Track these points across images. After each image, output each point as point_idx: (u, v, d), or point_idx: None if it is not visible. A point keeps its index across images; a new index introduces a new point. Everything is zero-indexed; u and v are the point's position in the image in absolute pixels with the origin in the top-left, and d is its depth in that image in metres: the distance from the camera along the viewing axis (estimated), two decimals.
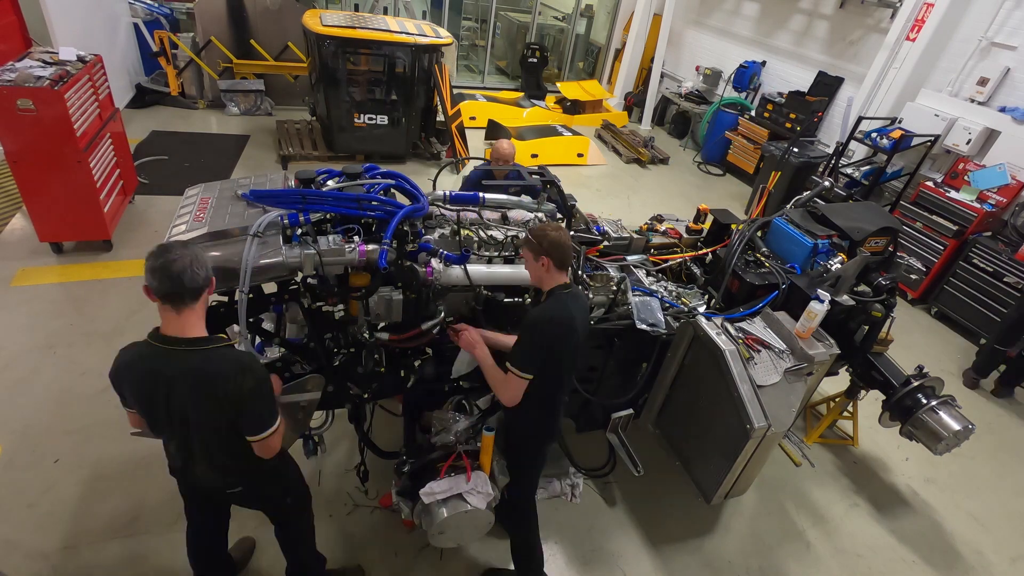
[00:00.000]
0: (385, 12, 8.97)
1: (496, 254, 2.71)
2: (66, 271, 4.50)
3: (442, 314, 2.59)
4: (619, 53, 11.15)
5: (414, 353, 2.80)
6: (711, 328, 2.86)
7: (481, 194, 2.84)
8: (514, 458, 2.62)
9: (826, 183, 4.02)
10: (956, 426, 3.21)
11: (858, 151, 6.98)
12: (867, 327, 3.24)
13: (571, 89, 10.19)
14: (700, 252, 3.62)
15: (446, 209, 2.76)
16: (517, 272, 2.70)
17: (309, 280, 2.32)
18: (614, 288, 3.11)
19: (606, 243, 3.42)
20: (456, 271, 2.54)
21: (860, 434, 4.10)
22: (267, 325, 2.53)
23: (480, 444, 2.57)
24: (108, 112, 4.83)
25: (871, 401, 3.83)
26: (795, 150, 6.95)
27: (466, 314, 2.74)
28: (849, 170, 6.88)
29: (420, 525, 2.58)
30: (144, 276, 1.68)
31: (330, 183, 2.46)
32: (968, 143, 5.88)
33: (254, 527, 2.85)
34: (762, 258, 3.37)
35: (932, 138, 6.15)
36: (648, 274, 3.43)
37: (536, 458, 2.61)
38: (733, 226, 3.55)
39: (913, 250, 5.95)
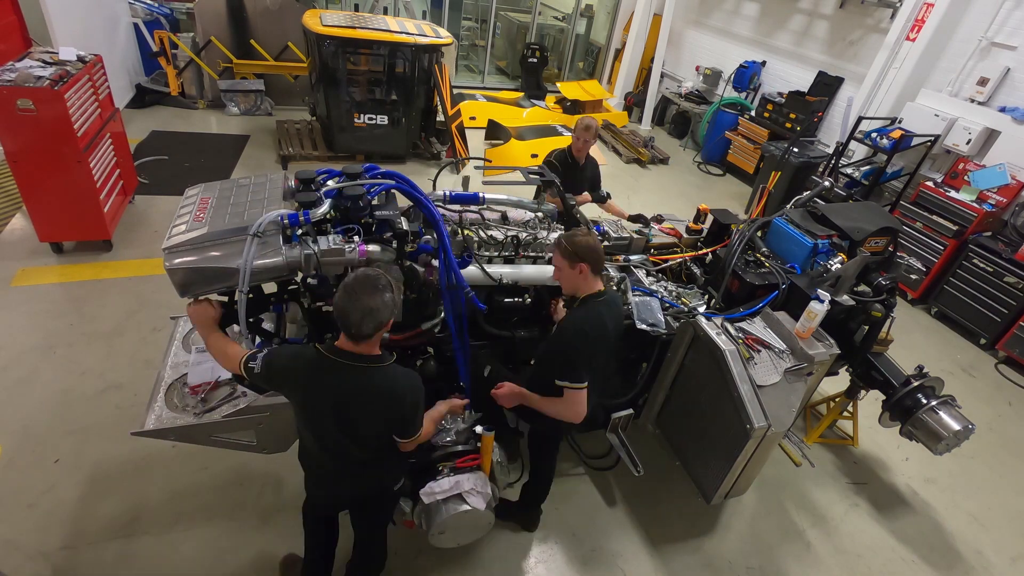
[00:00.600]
0: (385, 12, 8.97)
1: (496, 254, 2.71)
2: (66, 271, 4.50)
3: (442, 314, 2.59)
4: (619, 53, 11.15)
5: (414, 353, 2.80)
6: (711, 328, 2.86)
7: (481, 194, 2.85)
8: (539, 444, 2.75)
9: (826, 183, 4.02)
10: (956, 426, 3.21)
11: (858, 151, 6.98)
12: (867, 327, 3.24)
13: (571, 89, 10.19)
14: (700, 252, 3.62)
15: (446, 209, 2.76)
16: (518, 272, 2.70)
17: (309, 280, 2.32)
18: (614, 288, 3.11)
19: (606, 243, 3.43)
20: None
21: (860, 434, 4.10)
22: (267, 325, 2.53)
23: (480, 444, 2.57)
24: (108, 112, 4.83)
25: (871, 401, 3.83)
26: (795, 150, 6.95)
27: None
28: (849, 170, 6.88)
29: (420, 525, 2.58)
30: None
31: (330, 183, 2.47)
32: (968, 143, 5.88)
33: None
34: (762, 258, 3.37)
35: (932, 138, 6.14)
36: (648, 274, 3.43)
37: (558, 440, 2.76)
38: (733, 226, 3.55)
39: (913, 250, 5.95)
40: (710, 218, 3.73)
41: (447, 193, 2.80)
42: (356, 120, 6.80)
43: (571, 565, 3.02)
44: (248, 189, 2.48)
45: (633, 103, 10.74)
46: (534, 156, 7.73)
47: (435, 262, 2.50)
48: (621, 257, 3.41)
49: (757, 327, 3.00)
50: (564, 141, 8.09)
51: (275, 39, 7.81)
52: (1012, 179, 5.54)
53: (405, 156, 7.36)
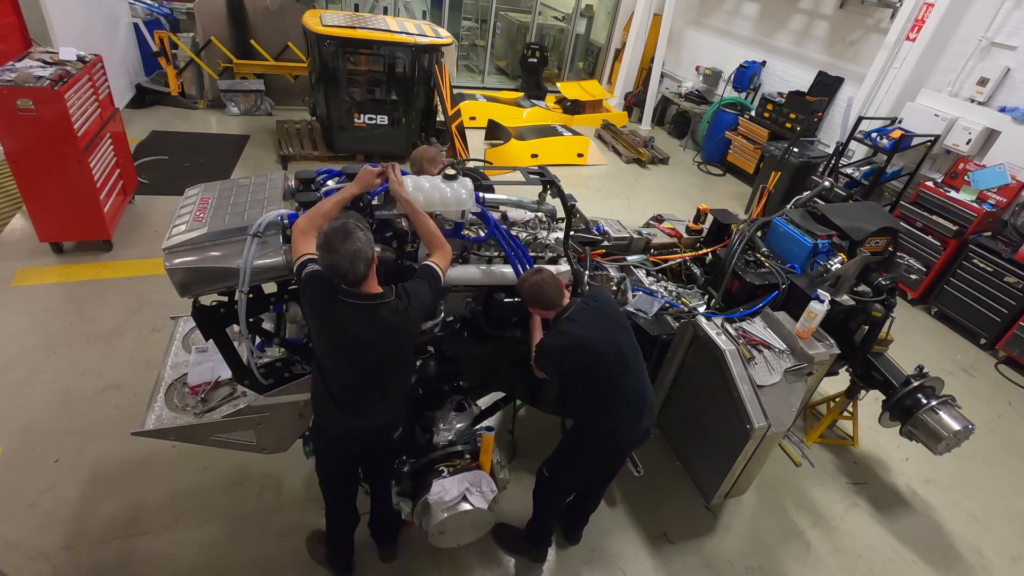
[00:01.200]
0: (385, 12, 8.96)
1: (496, 254, 2.71)
2: (66, 271, 4.50)
3: (442, 314, 2.59)
4: (619, 53, 11.15)
5: (414, 353, 2.79)
6: (711, 328, 2.86)
7: (481, 194, 2.84)
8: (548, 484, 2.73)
9: (826, 183, 4.02)
10: (956, 426, 3.21)
11: (858, 151, 6.98)
12: (867, 327, 3.24)
13: (571, 89, 10.19)
14: (700, 252, 3.62)
15: None
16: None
17: None
18: (614, 288, 3.11)
19: (606, 243, 3.42)
20: (456, 271, 2.54)
21: (860, 434, 4.10)
22: (267, 325, 2.53)
23: (480, 444, 2.58)
24: (108, 112, 4.83)
25: (871, 401, 3.83)
26: (795, 150, 6.95)
27: (466, 314, 2.74)
28: (849, 170, 6.88)
29: (420, 525, 2.58)
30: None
31: (330, 183, 2.47)
32: (968, 143, 5.88)
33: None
34: (762, 258, 3.37)
35: (932, 138, 6.15)
36: (648, 274, 3.44)
37: (582, 458, 2.63)
38: (733, 226, 3.55)
39: (913, 250, 5.95)
40: (710, 218, 3.74)
41: None
42: (356, 120, 6.80)
43: (571, 565, 3.02)
44: (248, 189, 2.48)
45: (633, 103, 10.75)
46: (534, 156, 7.74)
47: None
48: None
49: (757, 327, 3.00)
50: (564, 141, 8.20)
51: (275, 39, 7.81)
52: (1012, 179, 5.54)
53: (405, 156, 7.32)
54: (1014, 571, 3.43)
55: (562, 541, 3.11)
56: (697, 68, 9.96)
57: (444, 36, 6.81)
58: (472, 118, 8.48)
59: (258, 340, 2.49)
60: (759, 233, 3.49)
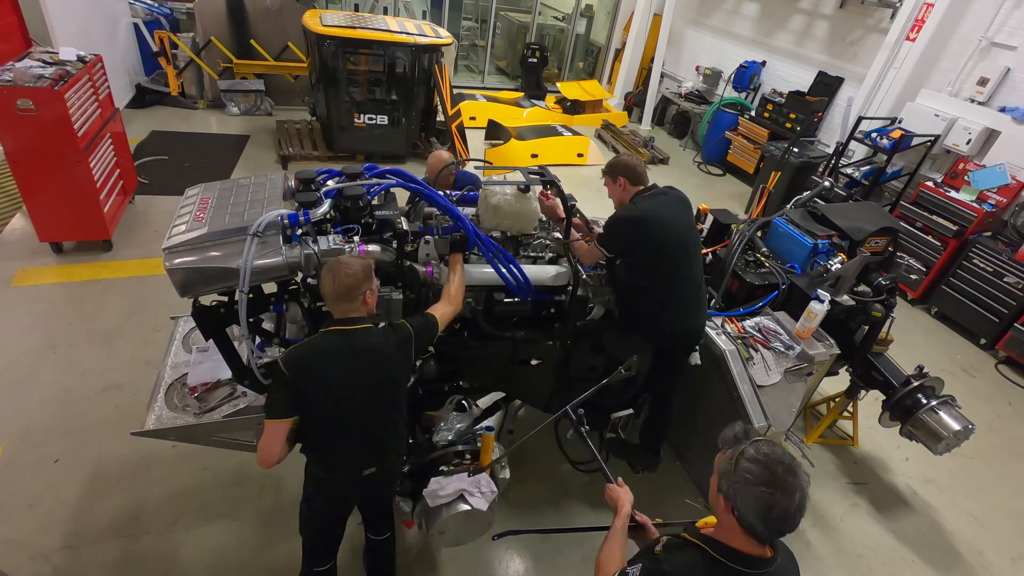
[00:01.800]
0: (385, 12, 8.97)
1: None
2: (66, 271, 4.50)
3: None
4: (619, 53, 11.15)
5: None
6: (711, 328, 2.86)
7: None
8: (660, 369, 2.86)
9: (826, 183, 4.02)
10: (956, 426, 3.21)
11: (858, 151, 6.98)
12: (867, 327, 3.24)
13: (571, 89, 10.19)
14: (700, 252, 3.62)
15: None
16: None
17: (309, 280, 2.32)
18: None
19: None
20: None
21: (860, 434, 4.10)
22: (267, 325, 2.53)
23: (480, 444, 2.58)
24: (108, 112, 4.83)
25: (871, 401, 3.83)
26: (795, 150, 6.95)
27: (466, 314, 2.74)
28: (849, 170, 6.88)
29: (420, 525, 2.58)
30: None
31: (330, 183, 2.46)
32: (968, 143, 5.88)
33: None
34: (762, 258, 3.37)
35: (932, 138, 6.14)
36: None
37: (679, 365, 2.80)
38: (733, 226, 3.54)
39: (913, 250, 5.95)
40: (710, 218, 3.73)
41: (447, 194, 2.80)
42: (356, 120, 6.80)
43: (571, 565, 3.02)
44: (248, 189, 2.48)
45: (633, 103, 10.75)
46: (534, 156, 7.74)
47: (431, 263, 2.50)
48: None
49: (768, 322, 3.01)
50: (564, 141, 8.20)
51: (275, 39, 7.81)
52: (1012, 179, 5.54)
53: (405, 156, 7.36)
54: (1014, 571, 3.43)
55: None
56: (697, 68, 9.96)
57: (444, 36, 6.81)
58: (472, 118, 8.48)
59: (258, 340, 2.49)
60: (759, 233, 3.49)
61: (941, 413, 3.27)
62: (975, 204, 5.61)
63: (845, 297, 3.13)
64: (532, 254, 2.88)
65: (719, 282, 3.29)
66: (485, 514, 2.52)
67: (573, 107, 10.02)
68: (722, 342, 2.81)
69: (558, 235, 2.91)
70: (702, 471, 3.07)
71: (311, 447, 2.12)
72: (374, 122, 6.89)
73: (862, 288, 3.24)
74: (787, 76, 8.50)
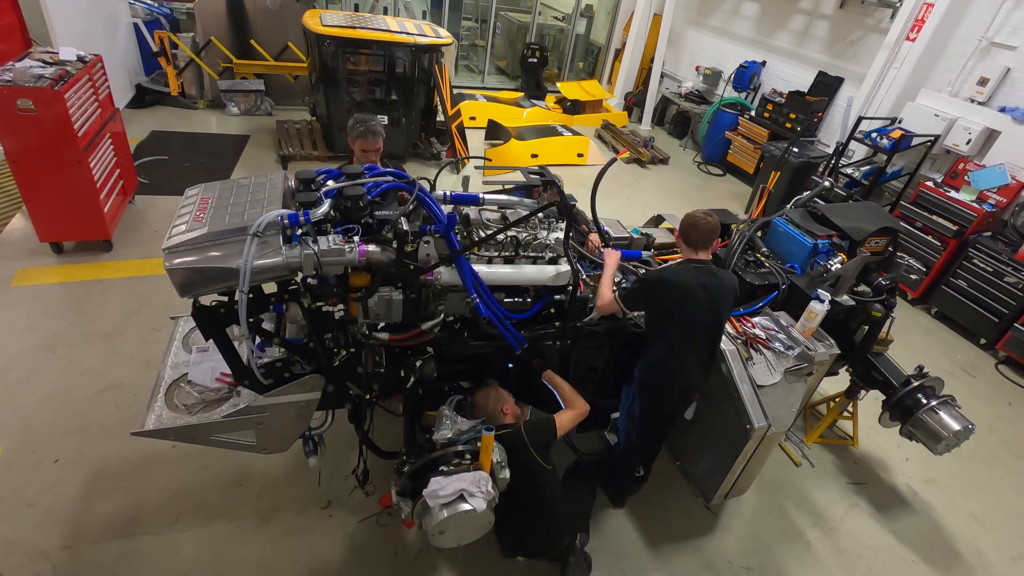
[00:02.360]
0: (385, 12, 8.97)
1: (496, 254, 2.70)
2: (66, 271, 4.50)
3: (442, 315, 2.58)
4: (619, 53, 11.15)
5: (414, 353, 2.79)
6: None
7: (480, 194, 2.84)
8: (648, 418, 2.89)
9: (826, 183, 4.02)
10: (956, 426, 3.21)
11: (858, 151, 6.98)
12: (867, 327, 3.24)
13: (571, 89, 10.19)
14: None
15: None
16: (518, 272, 2.70)
17: (309, 280, 2.32)
18: (614, 288, 3.10)
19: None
20: (454, 272, 2.53)
21: (860, 434, 4.10)
22: (267, 325, 2.53)
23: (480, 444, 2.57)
24: (108, 112, 4.83)
25: (871, 401, 3.83)
26: (795, 150, 6.95)
27: (466, 314, 2.74)
28: (849, 170, 6.88)
29: (420, 525, 2.58)
30: None
31: (330, 183, 2.46)
32: (968, 143, 5.88)
33: None
34: (762, 258, 3.37)
35: (932, 138, 6.15)
36: None
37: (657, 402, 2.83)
38: (733, 226, 3.55)
39: (913, 250, 5.95)
40: None
41: (447, 194, 2.79)
42: None
43: None
44: (248, 189, 2.47)
45: (633, 103, 10.75)
46: (534, 156, 7.74)
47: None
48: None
49: (770, 321, 3.02)
50: (564, 141, 8.19)
51: (275, 39, 7.81)
52: (1012, 179, 5.54)
53: (405, 156, 7.36)
54: (1014, 571, 3.43)
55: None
56: (697, 68, 9.96)
57: (444, 36, 6.81)
58: (472, 118, 8.48)
59: (258, 340, 2.49)
60: (759, 233, 3.49)
61: (941, 413, 3.27)
62: (975, 204, 5.61)
63: (845, 297, 3.13)
64: (532, 254, 2.88)
65: None
66: (484, 514, 2.51)
67: (573, 107, 10.03)
68: (722, 342, 2.81)
69: (558, 235, 2.91)
70: (702, 471, 3.07)
71: None
72: None
73: (862, 288, 3.24)
74: (787, 76, 8.50)
